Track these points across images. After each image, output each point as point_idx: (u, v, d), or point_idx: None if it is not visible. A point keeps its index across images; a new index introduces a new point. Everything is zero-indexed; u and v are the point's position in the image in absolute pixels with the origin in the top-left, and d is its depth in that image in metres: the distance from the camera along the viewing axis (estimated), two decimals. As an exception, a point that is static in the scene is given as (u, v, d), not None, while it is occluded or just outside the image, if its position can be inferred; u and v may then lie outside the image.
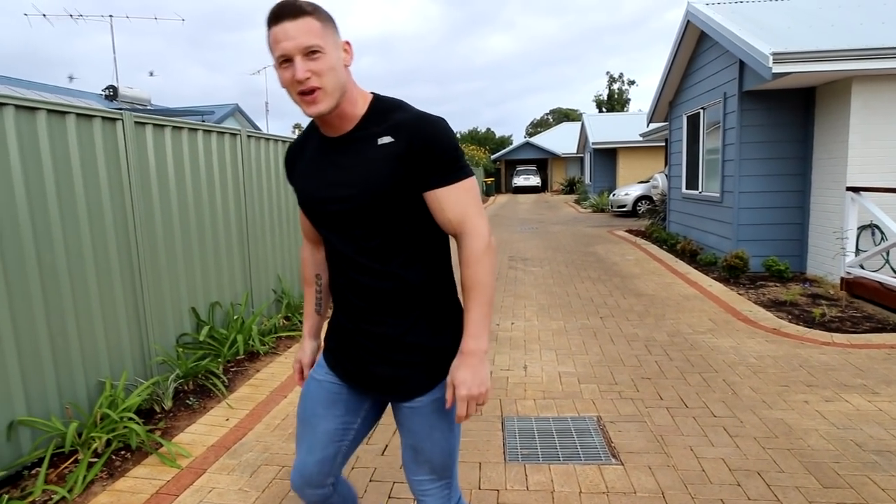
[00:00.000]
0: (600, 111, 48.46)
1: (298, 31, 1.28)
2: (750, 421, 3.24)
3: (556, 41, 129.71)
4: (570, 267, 8.43)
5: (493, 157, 40.90)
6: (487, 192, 35.36)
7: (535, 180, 37.02)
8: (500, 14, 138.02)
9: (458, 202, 1.38)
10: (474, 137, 52.62)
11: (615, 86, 51.70)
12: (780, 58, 5.97)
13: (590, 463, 2.83)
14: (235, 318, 4.66)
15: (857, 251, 6.13)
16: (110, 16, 14.79)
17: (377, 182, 1.37)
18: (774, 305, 5.76)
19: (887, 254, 5.98)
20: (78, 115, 3.25)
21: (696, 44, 9.11)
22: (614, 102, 50.80)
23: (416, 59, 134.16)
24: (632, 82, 51.94)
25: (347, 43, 1.39)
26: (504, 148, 46.04)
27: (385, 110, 1.42)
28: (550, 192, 37.41)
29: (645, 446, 2.98)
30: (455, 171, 1.39)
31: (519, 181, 37.14)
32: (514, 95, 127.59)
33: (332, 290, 1.58)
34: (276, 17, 1.30)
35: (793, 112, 7.20)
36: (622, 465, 2.81)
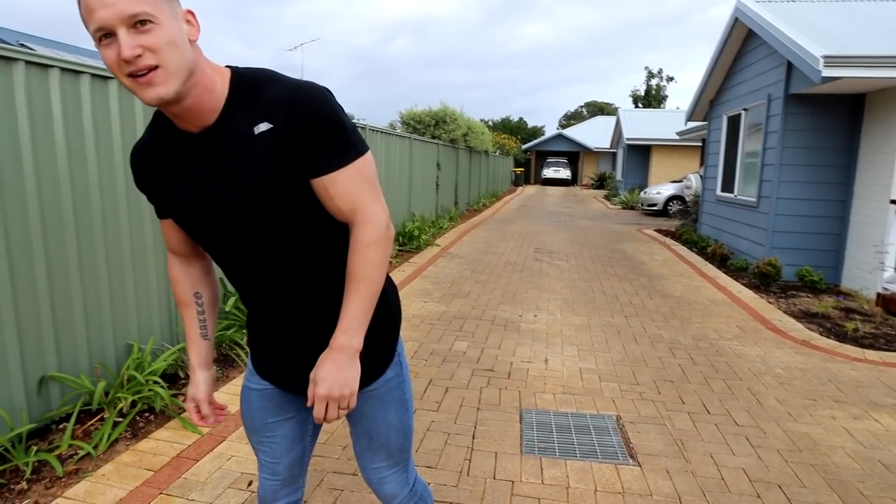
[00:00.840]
0: (636, 106, 47.63)
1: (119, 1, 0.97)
2: (774, 432, 3.17)
3: (594, 32, 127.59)
4: (597, 263, 8.33)
5: (523, 146, 40.56)
6: (516, 183, 35.17)
7: (564, 173, 36.65)
8: (539, 1, 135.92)
9: (348, 188, 1.17)
10: (506, 126, 52.21)
11: (653, 81, 50.67)
12: (831, 61, 5.77)
13: (607, 462, 2.81)
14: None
15: (897, 266, 5.93)
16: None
17: (266, 180, 1.14)
18: (805, 317, 5.63)
19: (928, 271, 5.77)
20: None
21: (742, 42, 8.85)
22: (651, 98, 49.84)
23: (450, 42, 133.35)
24: (670, 79, 50.84)
25: (190, 12, 1.11)
26: (536, 138, 45.62)
27: (251, 88, 1.15)
28: (580, 186, 37.01)
29: (664, 449, 2.95)
30: (344, 150, 1.17)
31: (548, 173, 36.82)
32: (549, 85, 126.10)
33: (242, 299, 1.37)
34: None
35: (839, 118, 6.97)
36: (639, 466, 2.78)
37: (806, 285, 6.84)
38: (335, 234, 1.26)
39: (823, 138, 7.04)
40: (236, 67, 1.18)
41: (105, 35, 0.99)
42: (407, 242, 8.98)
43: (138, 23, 0.99)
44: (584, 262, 8.41)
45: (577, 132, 40.44)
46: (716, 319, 5.43)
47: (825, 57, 5.78)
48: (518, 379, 3.83)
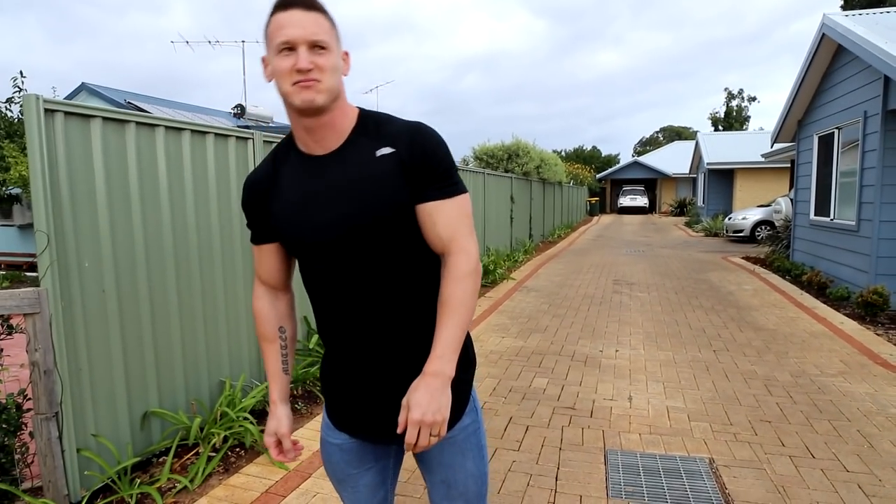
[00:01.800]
0: (716, 129, 45.91)
1: (309, 22, 1.19)
2: (891, 480, 2.88)
3: (667, 56, 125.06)
4: (680, 294, 7.99)
5: (598, 176, 39.93)
6: (591, 212, 34.55)
7: (641, 201, 35.67)
8: (608, 29, 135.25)
9: (450, 218, 1.29)
10: (579, 156, 51.67)
11: (734, 102, 48.75)
12: (934, 73, 5.35)
13: (701, 509, 2.64)
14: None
15: None
16: (242, 41, 16.10)
17: (383, 198, 1.25)
18: (921, 350, 5.12)
19: None
20: (216, 134, 3.55)
21: (831, 58, 8.40)
22: (732, 120, 47.89)
23: (519, 75, 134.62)
24: (752, 99, 48.76)
25: (346, 53, 1.31)
26: (610, 167, 44.82)
27: (375, 122, 1.33)
28: (658, 213, 35.87)
29: (764, 496, 2.74)
30: (451, 185, 1.30)
31: (625, 201, 35.94)
32: (622, 112, 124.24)
33: (328, 336, 1.38)
34: (285, 5, 1.21)
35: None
36: (738, 514, 2.59)
37: (920, 315, 6.24)
38: (428, 267, 1.33)
39: (930, 155, 6.49)
40: (363, 108, 1.36)
41: (287, 48, 1.20)
42: (483, 277, 8.98)
43: (317, 46, 1.20)
44: (666, 293, 8.09)
45: (653, 158, 39.39)
46: (816, 353, 5.04)
47: (927, 69, 5.38)
48: (601, 418, 3.70)
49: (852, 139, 7.53)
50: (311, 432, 3.51)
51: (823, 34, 8.01)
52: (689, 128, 57.71)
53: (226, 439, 3.24)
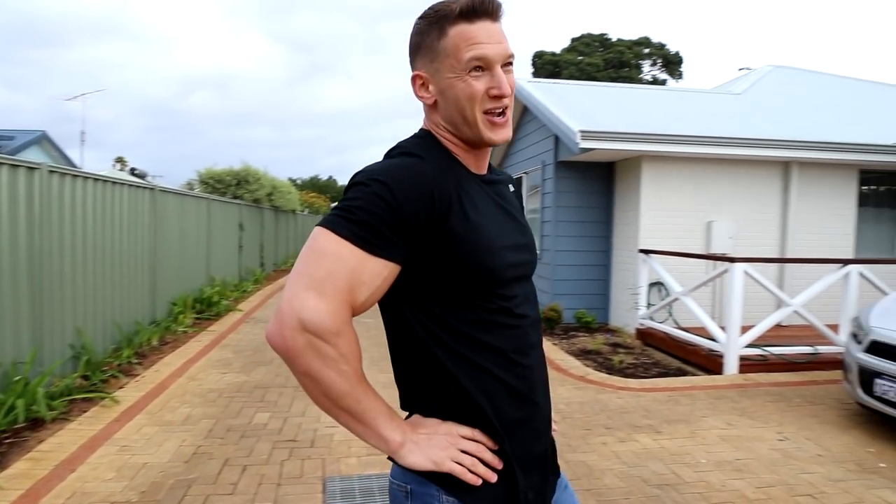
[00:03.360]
0: (439, 167, 50.77)
1: (500, 35, 1.04)
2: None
3: (397, 95, 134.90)
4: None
5: (333, 205, 40.66)
6: (327, 240, 34.87)
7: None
8: (342, 64, 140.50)
9: None
10: (315, 185, 52.11)
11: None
12: (586, 135, 6.81)
13: (409, 519, 2.84)
14: (17, 378, 4.03)
15: (648, 305, 7.04)
16: None
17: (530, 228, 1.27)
18: (582, 354, 6.36)
19: (670, 307, 6.95)
20: None
21: (520, 114, 10.06)
22: (452, 160, 53.54)
23: (255, 100, 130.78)
24: (468, 142, 55.33)
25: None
26: (345, 196, 46.07)
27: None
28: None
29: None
30: None
31: (359, 230, 37.29)
32: (356, 145, 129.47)
33: (510, 379, 1.08)
34: (474, 12, 1.02)
35: (598, 182, 8.20)
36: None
37: (583, 326, 7.76)
38: None
39: (588, 198, 8.20)
40: None
41: (479, 68, 1.02)
42: (205, 309, 8.37)
43: (509, 64, 1.05)
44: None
45: (385, 191, 41.73)
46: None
47: (581, 131, 6.82)
48: (322, 446, 3.74)
49: (536, 183, 9.08)
50: None
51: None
52: (417, 164, 62.61)
53: None
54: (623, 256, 7.87)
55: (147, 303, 6.90)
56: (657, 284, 7.34)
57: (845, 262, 5.98)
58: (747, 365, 5.64)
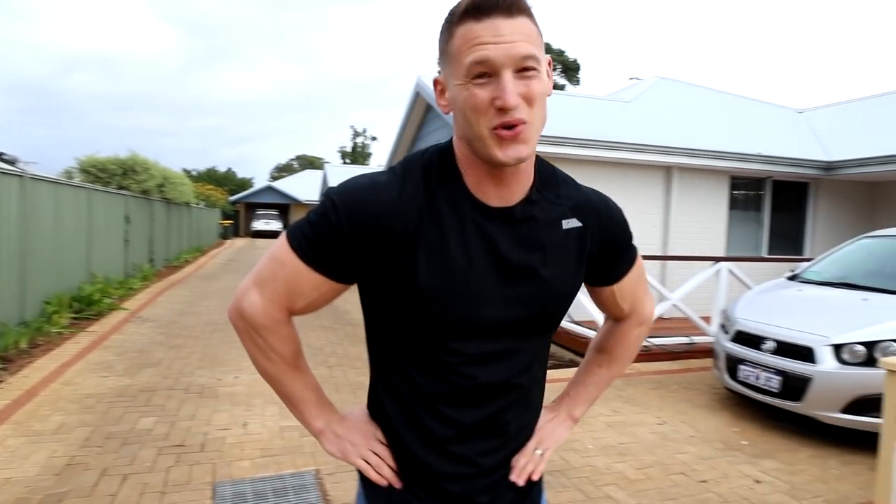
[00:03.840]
0: (344, 162, 50.08)
1: (514, 33, 0.85)
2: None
3: (302, 88, 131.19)
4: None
5: (232, 198, 38.92)
6: (224, 236, 33.36)
7: (275, 225, 36.28)
8: (244, 52, 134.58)
9: (633, 289, 1.16)
10: (212, 177, 49.58)
11: (358, 139, 54.12)
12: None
13: (303, 520, 2.79)
14: None
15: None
16: None
17: (567, 281, 1.02)
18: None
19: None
20: None
21: (425, 112, 10.12)
22: (357, 155, 53.02)
23: (145, 84, 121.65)
24: (374, 138, 55.01)
25: (550, 63, 0.96)
26: (244, 190, 44.24)
27: (552, 178, 1.03)
28: (293, 237, 36.89)
29: (359, 494, 3.06)
30: (632, 256, 1.14)
31: (258, 225, 36.04)
32: (258, 137, 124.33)
33: (437, 428, 1.00)
34: (479, 8, 0.86)
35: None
36: (335, 517, 2.83)
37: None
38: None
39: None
40: (549, 166, 1.06)
41: (485, 73, 0.85)
42: (84, 308, 7.72)
43: (525, 67, 0.86)
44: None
45: (286, 184, 40.57)
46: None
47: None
48: (213, 450, 3.57)
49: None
50: None
51: (417, 93, 9.60)
52: (322, 158, 61.40)
53: None
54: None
55: (14, 301, 6.26)
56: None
57: (717, 259, 6.55)
58: (632, 355, 6.03)
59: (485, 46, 0.84)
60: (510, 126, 0.86)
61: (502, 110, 0.85)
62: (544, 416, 1.17)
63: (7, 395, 4.45)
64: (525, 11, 0.87)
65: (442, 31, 0.92)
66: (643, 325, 1.22)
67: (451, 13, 0.90)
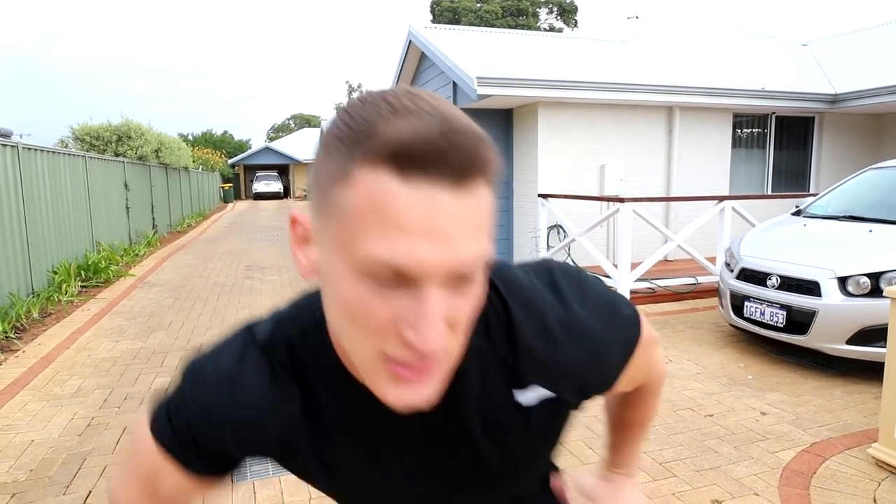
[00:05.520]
0: (341, 119, 49.22)
1: (461, 222, 0.48)
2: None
3: (296, 42, 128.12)
4: (311, 274, 8.41)
5: (230, 161, 38.61)
6: (226, 199, 33.28)
7: (276, 186, 36.06)
8: (234, 5, 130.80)
9: (640, 367, 0.81)
10: (208, 140, 49.04)
11: (354, 95, 53.12)
12: (483, 81, 6.83)
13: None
14: None
15: (548, 247, 7.35)
16: None
17: (524, 455, 0.72)
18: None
19: (569, 248, 7.30)
20: None
21: (418, 61, 9.89)
22: (354, 111, 52.06)
23: (131, 47, 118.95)
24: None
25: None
26: (242, 152, 43.84)
27: (509, 324, 0.66)
28: (294, 198, 36.82)
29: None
30: (635, 338, 0.76)
31: (259, 187, 35.81)
32: (253, 98, 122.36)
33: None
34: (410, 159, 0.47)
35: (498, 129, 8.31)
36: None
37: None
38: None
39: (488, 146, 8.30)
40: (493, 280, 0.67)
41: (402, 277, 0.49)
42: (92, 276, 7.78)
43: (462, 276, 0.50)
44: (296, 274, 8.41)
45: (285, 144, 40.10)
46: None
47: (479, 78, 6.82)
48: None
49: (437, 132, 9.04)
50: None
51: (410, 41, 9.36)
52: (318, 116, 60.56)
53: None
54: (521, 201, 8.10)
55: (21, 272, 6.31)
56: (556, 227, 7.65)
57: (721, 198, 6.50)
58: (637, 297, 6.07)
59: (409, 243, 0.47)
60: (417, 365, 0.53)
61: (407, 346, 0.51)
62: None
63: (24, 362, 4.53)
64: (482, 172, 0.50)
65: (330, 148, 0.52)
66: (662, 380, 0.94)
67: (356, 131, 0.49)
